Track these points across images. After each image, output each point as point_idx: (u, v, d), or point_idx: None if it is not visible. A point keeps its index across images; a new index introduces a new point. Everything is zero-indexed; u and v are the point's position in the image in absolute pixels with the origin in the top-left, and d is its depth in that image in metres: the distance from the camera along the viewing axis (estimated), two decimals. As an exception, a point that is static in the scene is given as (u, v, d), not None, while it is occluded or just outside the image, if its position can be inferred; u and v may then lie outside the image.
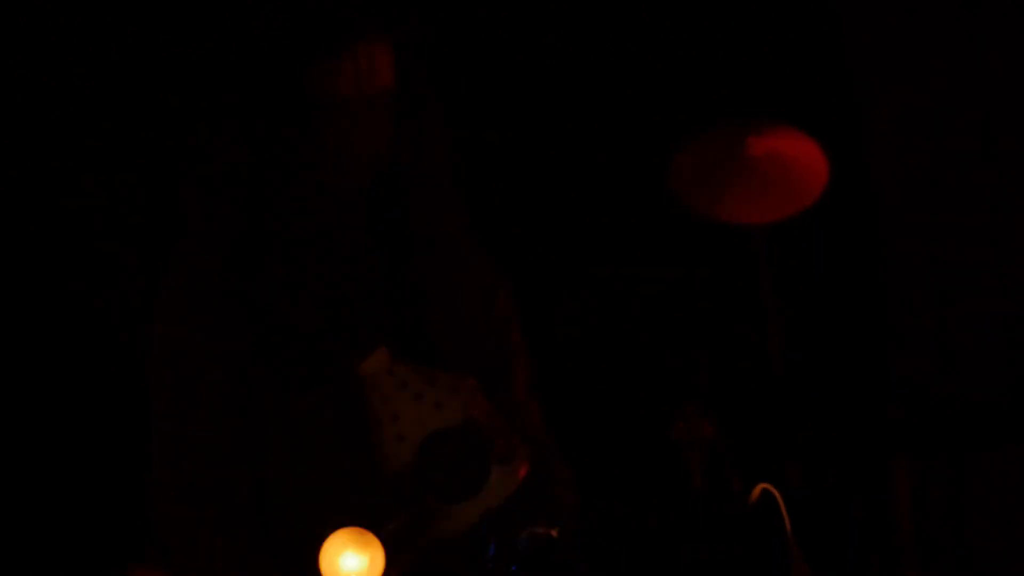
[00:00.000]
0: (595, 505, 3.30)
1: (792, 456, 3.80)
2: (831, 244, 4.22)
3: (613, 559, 3.14)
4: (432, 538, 2.30)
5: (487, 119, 4.08)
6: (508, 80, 4.15)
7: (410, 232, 2.44)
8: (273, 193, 2.37)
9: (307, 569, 2.14)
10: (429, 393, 2.28)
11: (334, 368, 2.38)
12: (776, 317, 3.89)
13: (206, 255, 2.42)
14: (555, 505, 2.43)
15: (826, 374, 4.16)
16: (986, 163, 4.18)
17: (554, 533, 2.24)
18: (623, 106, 4.20)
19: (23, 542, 3.63)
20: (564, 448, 2.57)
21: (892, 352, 4.22)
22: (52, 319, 3.80)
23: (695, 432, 3.26)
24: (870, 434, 3.95)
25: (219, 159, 2.41)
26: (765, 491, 2.38)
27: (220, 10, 3.45)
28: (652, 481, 3.43)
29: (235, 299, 2.40)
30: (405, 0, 2.40)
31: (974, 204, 4.18)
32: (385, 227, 2.43)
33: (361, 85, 2.34)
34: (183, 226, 2.46)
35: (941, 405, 4.10)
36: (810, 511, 3.14)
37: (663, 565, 3.20)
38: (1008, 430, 3.84)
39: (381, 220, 2.43)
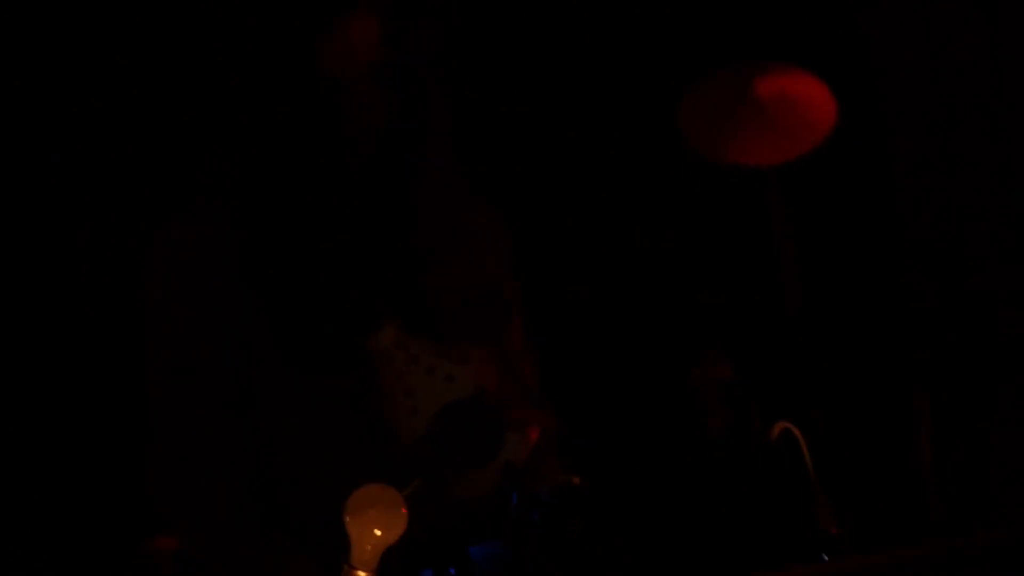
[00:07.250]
0: (616, 451, 3.32)
1: (813, 396, 3.80)
2: (844, 182, 4.22)
3: (633, 504, 3.15)
4: (452, 499, 2.31)
5: (487, 74, 4.07)
6: (508, 27, 4.13)
7: (414, 200, 2.44)
8: (277, 169, 2.37)
9: (322, 538, 2.13)
10: (440, 366, 2.29)
11: (344, 347, 2.38)
12: (790, 257, 3.89)
13: (204, 233, 2.41)
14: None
15: (843, 312, 4.16)
16: (993, 98, 4.17)
17: (576, 481, 2.24)
18: (630, 50, 4.19)
19: (28, 531, 3.64)
20: (578, 397, 2.57)
21: (909, 288, 4.22)
22: (60, 310, 3.79)
23: (713, 375, 3.27)
24: (889, 371, 3.95)
25: (221, 139, 2.42)
26: (786, 430, 2.38)
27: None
28: (670, 425, 3.44)
29: (238, 277, 2.39)
30: None
31: (984, 136, 4.17)
32: (390, 197, 2.43)
33: (354, 58, 2.34)
34: (183, 204, 2.46)
35: (960, 339, 4.10)
36: (832, 450, 3.14)
37: (684, 507, 3.22)
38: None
39: (386, 191, 2.43)
